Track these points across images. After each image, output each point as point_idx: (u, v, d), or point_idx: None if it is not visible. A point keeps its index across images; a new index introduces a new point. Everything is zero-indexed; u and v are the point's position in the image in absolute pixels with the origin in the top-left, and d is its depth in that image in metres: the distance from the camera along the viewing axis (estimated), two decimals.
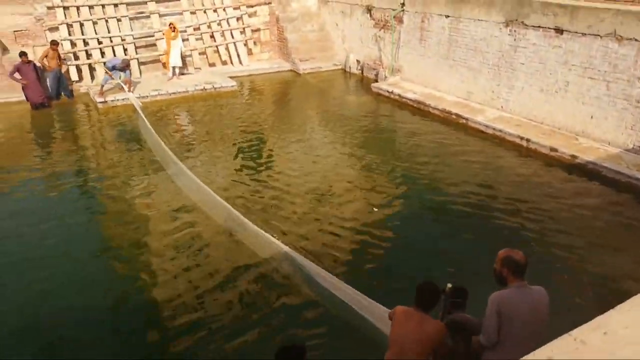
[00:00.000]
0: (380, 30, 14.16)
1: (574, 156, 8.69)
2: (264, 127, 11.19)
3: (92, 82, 13.25)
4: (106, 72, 12.17)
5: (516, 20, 10.17)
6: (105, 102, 11.99)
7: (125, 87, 12.04)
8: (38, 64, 12.09)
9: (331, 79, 15.19)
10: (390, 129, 11.16)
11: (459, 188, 8.11)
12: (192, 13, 14.66)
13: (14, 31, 12.73)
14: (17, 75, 11.52)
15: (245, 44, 15.58)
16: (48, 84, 12.35)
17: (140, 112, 10.84)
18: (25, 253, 6.44)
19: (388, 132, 10.95)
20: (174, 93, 12.69)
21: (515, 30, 10.26)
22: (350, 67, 15.67)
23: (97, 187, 8.34)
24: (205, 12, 14.81)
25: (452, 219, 7.26)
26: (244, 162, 9.30)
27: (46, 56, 12.19)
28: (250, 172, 8.87)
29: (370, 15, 14.38)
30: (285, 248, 5.88)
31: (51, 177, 8.70)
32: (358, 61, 15.36)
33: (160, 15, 14.21)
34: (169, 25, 13.19)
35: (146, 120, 10.13)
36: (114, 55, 13.33)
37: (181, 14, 14.51)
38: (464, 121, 10.76)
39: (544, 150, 9.16)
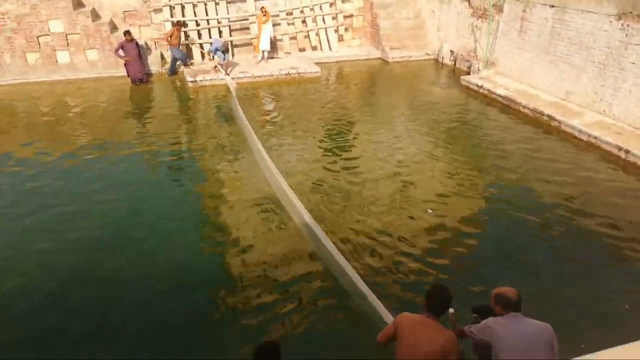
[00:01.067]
0: (477, 19, 13.22)
1: None
2: (341, 114, 11.02)
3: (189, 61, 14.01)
4: (208, 54, 12.92)
5: (630, 13, 8.89)
6: (195, 81, 12.61)
7: (222, 69, 12.62)
8: (140, 43, 13.05)
9: (420, 68, 14.55)
10: (473, 125, 10.35)
11: (544, 199, 7.33)
12: None
13: (124, 11, 13.80)
14: (121, 52, 12.49)
15: (336, 30, 15.44)
16: (171, 59, 13.42)
17: (234, 94, 11.24)
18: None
19: (470, 129, 10.17)
20: (259, 76, 12.97)
21: (627, 25, 8.98)
22: (442, 58, 14.89)
23: (187, 164, 8.90)
24: None
25: (532, 231, 6.60)
26: (322, 148, 9.23)
27: (171, 35, 13.03)
28: (329, 158, 8.81)
29: (469, 3, 13.46)
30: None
31: (146, 151, 9.31)
32: (452, 52, 14.53)
33: (256, 0, 14.53)
34: (261, 9, 13.44)
35: (238, 104, 10.46)
36: (209, 37, 13.96)
37: None
38: (557, 124, 9.72)
39: None
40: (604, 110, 9.64)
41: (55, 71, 12.98)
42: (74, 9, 12.68)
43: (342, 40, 15.84)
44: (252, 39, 14.49)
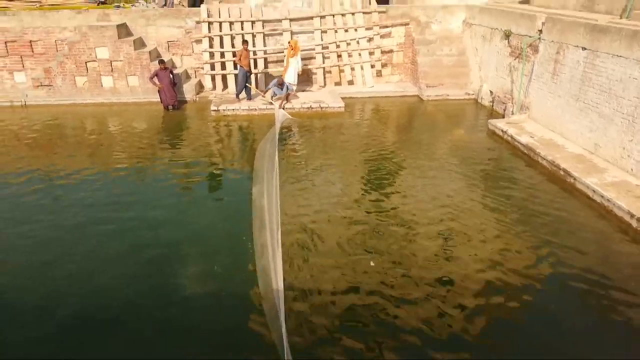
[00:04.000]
0: (515, 59, 12.28)
1: None
2: (349, 151, 10.68)
3: (222, 91, 14.50)
4: (264, 95, 13.42)
5: None
6: (218, 110, 12.97)
7: (274, 102, 13.06)
8: (181, 71, 13.75)
9: (454, 109, 13.76)
10: (480, 174, 9.50)
11: (556, 268, 6.47)
12: (324, 32, 14.86)
13: (168, 41, 14.68)
14: (155, 79, 13.23)
15: (373, 66, 15.16)
16: (238, 80, 13.58)
17: (277, 126, 11.40)
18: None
19: (477, 178, 9.32)
20: (283, 108, 13.02)
21: None
22: (482, 99, 14.00)
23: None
24: (336, 31, 14.87)
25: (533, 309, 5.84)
26: (328, 186, 8.99)
27: (240, 56, 13.28)
28: (339, 198, 8.51)
29: (508, 42, 12.58)
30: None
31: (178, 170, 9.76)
32: (491, 92, 13.61)
33: (293, 33, 14.76)
34: (289, 43, 13.58)
35: (276, 136, 10.57)
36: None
37: (312, 32, 14.83)
38: (572, 180, 8.60)
39: None
40: (632, 169, 8.38)
41: (100, 94, 14.05)
42: (122, 38, 13.72)
43: (381, 75, 15.53)
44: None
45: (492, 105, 13.45)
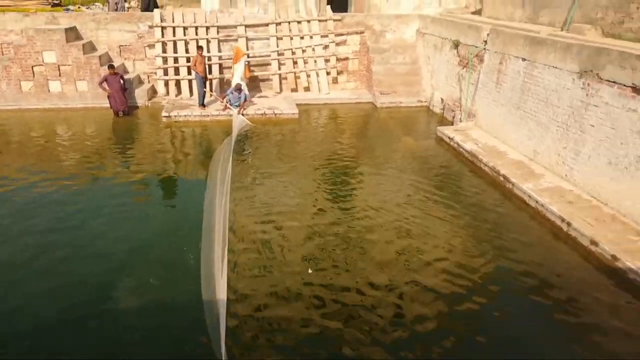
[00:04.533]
0: (463, 68, 12.64)
1: (614, 257, 6.48)
2: (302, 159, 10.73)
3: (175, 96, 14.32)
4: (224, 100, 13.22)
5: (591, 71, 8.08)
6: (169, 116, 12.81)
7: (233, 108, 12.92)
8: (125, 77, 13.52)
9: (407, 116, 14.03)
10: (427, 181, 9.68)
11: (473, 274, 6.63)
12: (279, 39, 14.91)
13: (120, 46, 14.42)
14: (104, 84, 12.96)
15: (329, 73, 15.30)
16: (195, 86, 13.52)
17: (234, 133, 11.28)
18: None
19: (423, 184, 9.50)
20: (242, 115, 12.96)
21: (588, 84, 8.16)
22: (434, 106, 14.32)
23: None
24: (291, 38, 14.94)
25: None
26: (280, 194, 8.98)
27: (195, 62, 13.06)
28: (289, 207, 8.51)
29: (457, 52, 12.93)
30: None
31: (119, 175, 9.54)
32: (442, 100, 13.94)
33: (248, 40, 14.75)
34: (233, 50, 13.54)
35: (232, 143, 10.50)
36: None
37: (268, 39, 14.86)
38: (510, 186, 8.89)
39: (584, 241, 7.03)
40: (566, 175, 8.72)
41: (46, 99, 13.65)
42: (71, 42, 13.39)
43: (337, 82, 15.67)
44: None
45: (443, 113, 13.78)
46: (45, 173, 9.62)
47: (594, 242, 6.83)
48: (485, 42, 11.44)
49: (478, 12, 15.48)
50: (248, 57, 14.73)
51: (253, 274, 6.52)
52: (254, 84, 14.58)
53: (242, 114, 12.84)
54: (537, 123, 9.53)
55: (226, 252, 6.50)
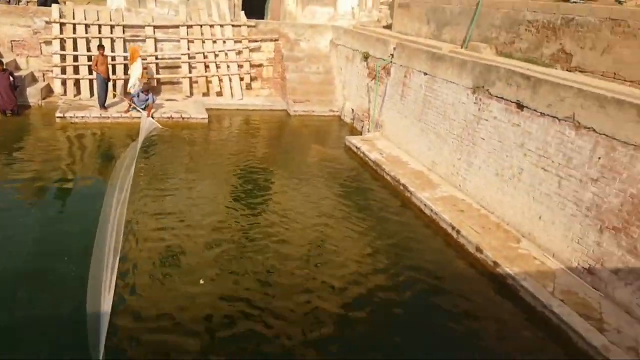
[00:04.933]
0: (372, 80, 12.93)
1: (496, 263, 6.81)
2: (202, 164, 10.39)
3: (73, 96, 13.38)
4: (130, 102, 12.43)
5: (482, 87, 8.53)
6: (64, 117, 11.92)
7: (143, 112, 12.15)
8: (16, 74, 12.42)
9: (319, 125, 14.12)
10: (332, 189, 9.71)
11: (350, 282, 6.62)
12: (191, 42, 14.46)
13: (11, 41, 13.26)
14: None
15: (242, 78, 15.06)
16: (95, 88, 12.56)
17: (141, 136, 10.72)
18: None
19: (328, 192, 9.51)
20: (137, 117, 12.33)
21: (480, 99, 8.61)
22: (345, 116, 14.53)
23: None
24: (204, 42, 14.55)
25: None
26: (182, 202, 8.47)
27: (97, 62, 12.21)
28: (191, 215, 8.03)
29: (367, 64, 13.22)
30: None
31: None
32: (352, 110, 14.19)
33: (157, 41, 14.16)
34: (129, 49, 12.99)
35: (138, 147, 9.98)
36: None
37: (178, 41, 14.36)
38: (409, 195, 9.15)
39: (470, 247, 7.35)
40: (459, 185, 9.13)
41: None
42: None
43: (251, 88, 15.44)
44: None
45: (353, 123, 14.02)
46: None
47: (479, 249, 7.15)
48: (392, 55, 11.78)
49: (389, 27, 15.99)
50: (156, 58, 14.16)
51: (146, 282, 6.20)
52: (158, 87, 14.03)
53: (152, 117, 12.25)
54: (436, 135, 9.91)
55: (117, 261, 6.14)
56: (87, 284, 5.76)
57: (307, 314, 5.90)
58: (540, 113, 7.23)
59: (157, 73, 14.31)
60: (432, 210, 8.37)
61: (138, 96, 12.42)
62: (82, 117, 12.07)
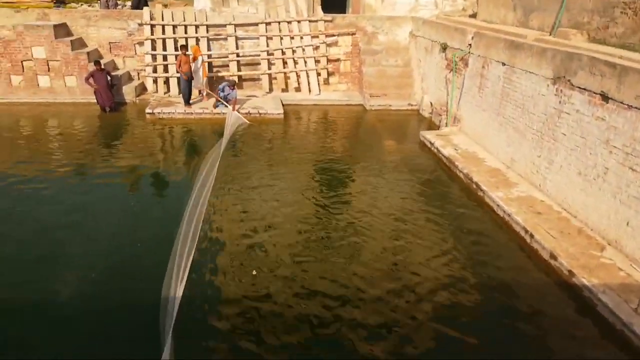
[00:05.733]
0: (450, 72, 12.36)
1: (571, 272, 6.20)
2: (276, 158, 10.63)
3: (164, 93, 14.31)
4: (218, 99, 13.10)
5: (564, 77, 7.79)
6: (153, 113, 12.80)
7: (229, 107, 12.75)
8: (114, 74, 13.56)
9: (396, 119, 13.78)
10: (402, 185, 9.42)
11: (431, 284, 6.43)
12: (269, 39, 14.80)
13: (110, 42, 14.48)
14: (91, 80, 12.98)
15: (319, 74, 15.13)
16: (182, 87, 13.31)
17: (227, 131, 11.34)
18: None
19: (398, 189, 9.24)
20: (217, 113, 12.90)
21: (561, 90, 7.87)
22: (423, 110, 14.07)
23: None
24: (282, 38, 14.82)
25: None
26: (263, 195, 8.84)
27: (180, 63, 12.92)
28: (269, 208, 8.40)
29: (445, 55, 12.66)
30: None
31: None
32: (431, 104, 13.68)
33: (238, 39, 14.67)
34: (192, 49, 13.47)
35: (224, 143, 10.65)
36: None
37: (257, 38, 14.77)
38: (481, 194, 8.63)
39: (544, 254, 6.76)
40: (539, 185, 8.43)
41: (36, 94, 13.76)
42: (60, 38, 13.48)
43: (328, 83, 15.49)
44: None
45: (432, 117, 13.52)
46: (32, 164, 9.83)
47: (553, 256, 6.56)
48: (470, 45, 11.16)
49: (474, 16, 15.16)
50: (237, 56, 14.69)
51: (224, 268, 6.53)
52: (240, 84, 14.53)
53: (238, 111, 12.77)
54: (515, 130, 9.24)
55: (193, 250, 6.54)
56: (167, 268, 6.19)
57: (381, 313, 5.77)
58: (628, 105, 6.42)
59: (239, 70, 14.84)
60: (504, 212, 7.82)
61: (223, 90, 12.94)
62: (169, 113, 12.88)
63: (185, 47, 13.11)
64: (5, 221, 7.61)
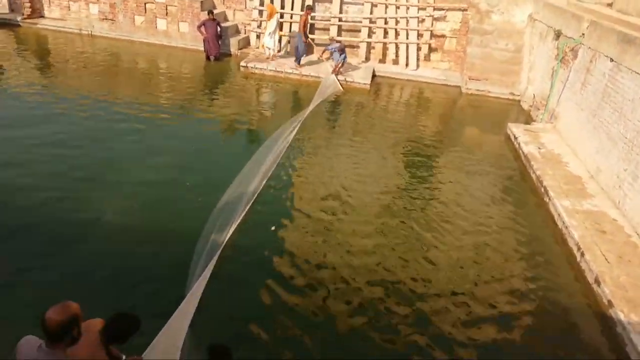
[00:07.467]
0: (558, 63, 11.10)
1: (610, 303, 5.44)
2: (336, 132, 10.54)
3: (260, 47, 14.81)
4: (329, 56, 13.45)
5: None
6: (246, 67, 13.33)
7: (330, 68, 13.17)
8: (223, 25, 14.29)
9: (492, 107, 12.82)
10: (470, 179, 8.82)
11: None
12: (374, 6, 14.44)
13: None
14: (202, 29, 13.82)
15: (419, 48, 14.50)
16: (299, 47, 13.43)
17: (318, 95, 11.64)
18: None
19: (465, 183, 8.69)
20: (306, 75, 13.06)
21: None
22: (524, 102, 12.90)
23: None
24: (387, 7, 14.37)
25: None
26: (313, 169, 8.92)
27: (304, 23, 13.32)
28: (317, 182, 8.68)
29: (557, 44, 11.36)
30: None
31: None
32: (534, 96, 12.47)
33: (343, 3, 14.52)
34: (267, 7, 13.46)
35: (312, 105, 11.07)
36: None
37: (362, 4, 14.47)
38: (547, 200, 7.80)
39: (589, 276, 6.00)
40: (618, 202, 7.40)
41: (153, 35, 15.05)
42: None
43: (429, 60, 14.81)
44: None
45: (531, 110, 12.35)
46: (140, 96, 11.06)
47: (597, 281, 5.80)
48: (583, 35, 9.88)
49: (610, 5, 13.30)
50: (339, 20, 14.58)
51: (304, 238, 6.52)
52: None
53: (336, 76, 12.89)
54: (608, 136, 8.13)
55: (247, 208, 6.76)
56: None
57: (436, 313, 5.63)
58: None
59: (339, 35, 14.74)
60: (563, 223, 7.02)
61: (335, 52, 13.03)
62: (261, 68, 13.33)
63: (310, 7, 13.27)
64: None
